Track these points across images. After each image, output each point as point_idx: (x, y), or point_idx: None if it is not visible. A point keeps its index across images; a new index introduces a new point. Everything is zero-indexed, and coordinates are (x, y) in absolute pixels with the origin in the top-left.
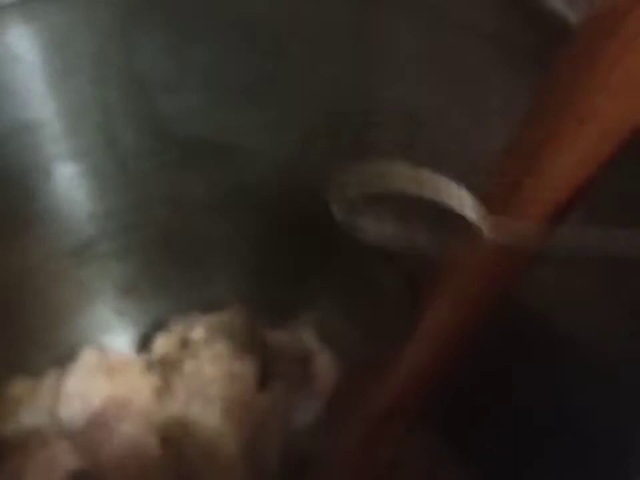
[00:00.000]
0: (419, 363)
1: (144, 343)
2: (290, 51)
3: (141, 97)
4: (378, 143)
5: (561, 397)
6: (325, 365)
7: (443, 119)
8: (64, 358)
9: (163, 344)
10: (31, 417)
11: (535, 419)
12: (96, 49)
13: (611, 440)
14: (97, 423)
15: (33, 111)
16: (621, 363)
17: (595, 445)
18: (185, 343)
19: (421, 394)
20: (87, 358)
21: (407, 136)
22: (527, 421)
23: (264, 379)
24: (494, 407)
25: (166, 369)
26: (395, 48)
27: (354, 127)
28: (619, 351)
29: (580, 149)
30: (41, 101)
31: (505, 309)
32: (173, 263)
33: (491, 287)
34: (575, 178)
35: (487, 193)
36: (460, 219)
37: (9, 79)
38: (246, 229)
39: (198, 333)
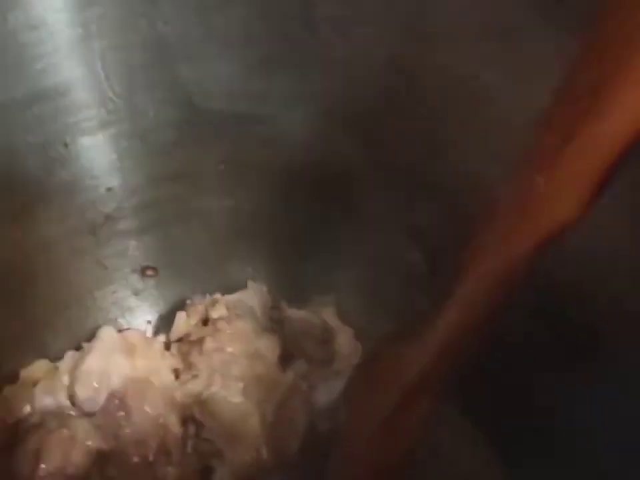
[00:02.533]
0: (454, 328)
1: (162, 324)
2: (319, 15)
3: (164, 65)
4: (401, 114)
5: (586, 376)
6: (346, 344)
7: (476, 77)
8: (82, 340)
9: (183, 323)
10: (48, 398)
11: (555, 396)
12: (119, 12)
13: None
14: (117, 403)
15: (53, 77)
16: None
17: (623, 423)
18: (205, 322)
19: (454, 362)
20: (105, 336)
21: (436, 99)
22: (546, 399)
23: (285, 358)
24: (514, 385)
25: (186, 347)
26: (429, 9)
27: (376, 99)
28: None
29: None
30: (62, 67)
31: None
32: (191, 241)
33: (534, 245)
34: (637, 122)
35: (536, 147)
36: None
37: (30, 43)
38: (266, 206)
39: (218, 311)
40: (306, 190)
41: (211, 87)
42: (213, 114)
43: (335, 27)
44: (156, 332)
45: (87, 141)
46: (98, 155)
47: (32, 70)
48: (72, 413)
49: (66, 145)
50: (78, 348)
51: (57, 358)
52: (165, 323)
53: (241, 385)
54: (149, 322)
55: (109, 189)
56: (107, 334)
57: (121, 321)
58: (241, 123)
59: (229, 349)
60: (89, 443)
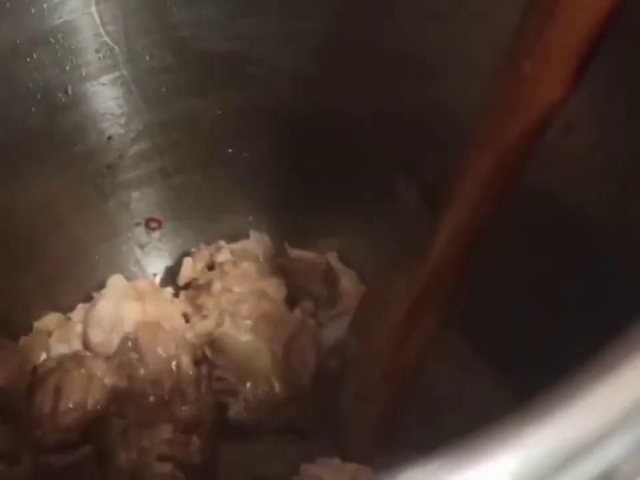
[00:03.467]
0: (450, 239)
1: (167, 277)
2: None
3: (157, 8)
4: (388, 48)
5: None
6: (350, 286)
7: (461, 7)
8: (91, 292)
9: (190, 268)
10: (63, 346)
11: (557, 321)
12: None
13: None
14: (130, 346)
15: (49, 22)
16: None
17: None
18: (210, 268)
19: (453, 274)
20: (115, 284)
21: (419, 33)
22: (549, 323)
23: (293, 300)
24: (514, 312)
25: (194, 292)
26: None
27: (363, 34)
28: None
29: None
30: (58, 11)
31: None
32: (193, 193)
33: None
34: None
35: (520, 32)
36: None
37: None
38: (265, 152)
39: (224, 255)
40: (303, 134)
41: (205, 29)
42: (207, 57)
43: None
44: (162, 284)
45: (86, 88)
46: (97, 101)
47: (29, 14)
48: (88, 355)
49: (66, 92)
50: (88, 301)
51: (68, 311)
52: (170, 275)
53: (249, 323)
54: (155, 274)
55: (109, 137)
56: (116, 281)
57: (127, 273)
58: (236, 65)
59: (236, 289)
60: (106, 380)
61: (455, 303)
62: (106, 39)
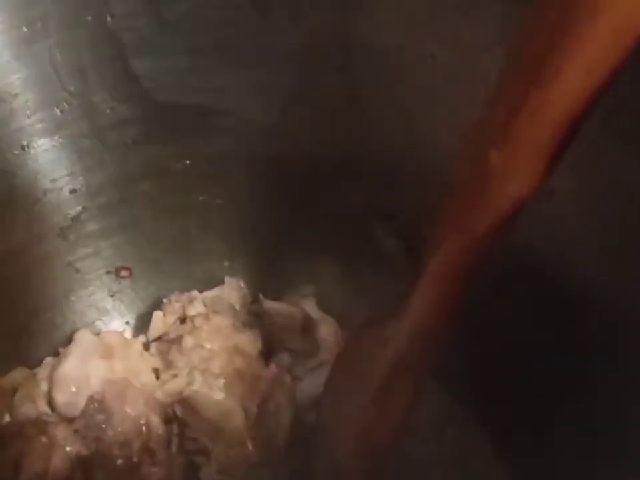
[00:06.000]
0: (424, 310)
1: (141, 325)
2: (271, 3)
3: (116, 60)
4: (362, 98)
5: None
6: (330, 334)
7: (432, 59)
8: (60, 346)
9: (160, 322)
10: (28, 406)
11: (541, 375)
12: (63, 8)
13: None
14: (96, 407)
15: (4, 79)
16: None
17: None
18: (182, 320)
19: (427, 344)
20: (82, 340)
21: (392, 84)
22: (531, 378)
23: (268, 352)
24: (500, 366)
25: (165, 346)
26: None
27: (336, 84)
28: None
29: (590, 50)
30: (6, 70)
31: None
32: (165, 240)
33: (493, 225)
34: (583, 88)
35: (487, 120)
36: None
37: None
38: (238, 199)
39: (196, 308)
40: (278, 180)
41: (167, 81)
42: (171, 108)
43: (290, 13)
44: (135, 333)
45: (45, 143)
46: (58, 156)
47: None
48: (51, 419)
49: (24, 148)
50: (56, 354)
51: (35, 365)
52: (143, 323)
53: (222, 381)
54: (128, 323)
55: (72, 191)
56: (83, 337)
57: (98, 323)
58: (201, 116)
59: (208, 346)
60: (69, 448)
61: (435, 359)
62: (64, 94)
